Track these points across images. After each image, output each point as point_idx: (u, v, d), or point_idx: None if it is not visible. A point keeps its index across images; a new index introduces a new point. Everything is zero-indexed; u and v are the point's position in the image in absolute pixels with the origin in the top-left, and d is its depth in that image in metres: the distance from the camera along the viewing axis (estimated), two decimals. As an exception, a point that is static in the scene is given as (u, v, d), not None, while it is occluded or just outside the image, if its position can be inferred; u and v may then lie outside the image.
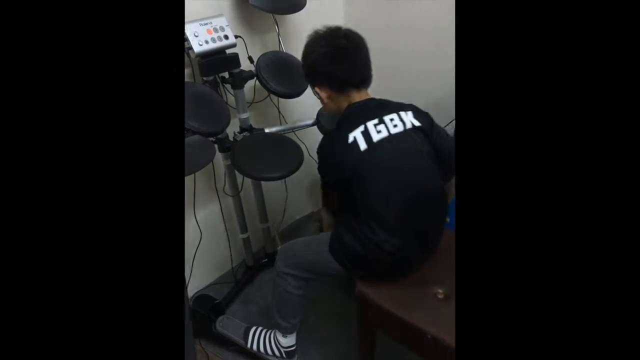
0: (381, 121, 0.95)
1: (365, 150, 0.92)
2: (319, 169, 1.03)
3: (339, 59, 0.96)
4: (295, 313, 1.17)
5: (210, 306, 1.36)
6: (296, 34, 1.48)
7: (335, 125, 1.03)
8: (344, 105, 1.00)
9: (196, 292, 1.52)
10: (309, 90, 1.36)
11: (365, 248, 0.95)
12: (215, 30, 1.14)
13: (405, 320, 0.90)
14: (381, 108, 0.98)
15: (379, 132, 0.94)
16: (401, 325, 0.91)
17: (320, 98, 1.04)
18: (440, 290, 0.95)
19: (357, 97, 0.99)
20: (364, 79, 0.99)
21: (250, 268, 1.59)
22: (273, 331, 1.25)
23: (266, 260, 1.62)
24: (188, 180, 1.33)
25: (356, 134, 0.93)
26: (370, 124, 0.94)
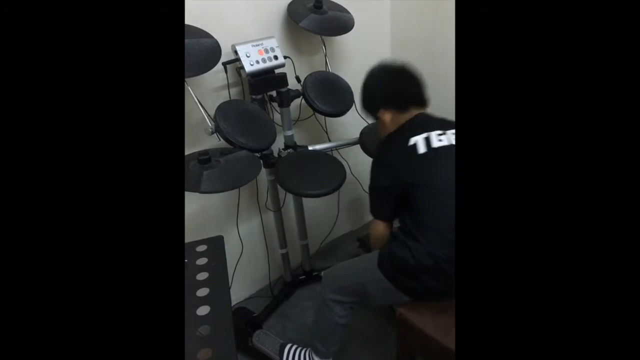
0: (444, 133, 0.97)
1: (424, 154, 0.94)
2: (372, 170, 1.05)
3: (400, 76, 1.05)
4: (336, 341, 1.15)
5: (248, 319, 1.37)
6: (343, 54, 1.51)
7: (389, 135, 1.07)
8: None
9: (234, 305, 1.54)
10: (353, 109, 1.38)
11: (416, 258, 0.91)
12: (266, 51, 1.19)
13: (446, 346, 0.87)
14: (445, 122, 1.02)
15: (440, 140, 0.96)
16: (442, 351, 0.88)
17: (382, 123, 1.08)
18: (484, 319, 0.91)
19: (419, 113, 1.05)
20: (425, 95, 1.06)
21: (288, 284, 1.60)
22: (308, 350, 1.24)
23: (304, 277, 1.62)
24: (233, 194, 1.38)
25: (418, 139, 0.96)
26: (433, 133, 0.97)
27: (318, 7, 1.26)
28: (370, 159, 1.35)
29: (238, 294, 1.58)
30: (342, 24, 1.32)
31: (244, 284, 1.58)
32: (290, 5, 1.28)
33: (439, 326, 0.91)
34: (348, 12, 1.35)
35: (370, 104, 1.08)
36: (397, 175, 0.96)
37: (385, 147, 1.05)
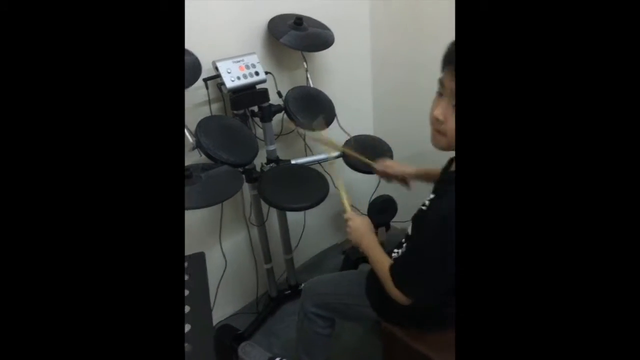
0: None
1: None
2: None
3: None
4: (322, 352, 1.14)
5: (233, 337, 1.35)
6: (324, 70, 1.53)
7: None
8: None
9: (219, 322, 1.52)
10: (335, 123, 1.40)
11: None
12: (247, 67, 1.20)
13: (432, 359, 0.87)
14: None
15: None
16: (427, 364, 0.88)
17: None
18: (468, 329, 0.92)
19: None
20: None
21: (273, 299, 1.59)
22: (295, 364, 1.22)
23: (289, 291, 1.61)
24: (215, 209, 1.37)
25: None
26: None
27: (298, 24, 1.28)
28: (355, 172, 1.36)
29: (223, 311, 1.56)
30: (323, 40, 1.34)
31: (228, 300, 1.56)
32: (270, 22, 1.29)
33: (425, 340, 0.91)
34: (328, 29, 1.38)
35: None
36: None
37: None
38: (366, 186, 1.70)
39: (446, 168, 0.85)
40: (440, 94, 0.72)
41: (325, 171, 1.37)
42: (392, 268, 0.81)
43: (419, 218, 0.82)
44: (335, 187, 1.12)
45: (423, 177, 1.10)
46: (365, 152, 1.27)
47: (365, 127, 1.76)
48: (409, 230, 0.88)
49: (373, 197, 1.60)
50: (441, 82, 0.71)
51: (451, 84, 0.68)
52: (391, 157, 1.34)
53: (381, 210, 1.52)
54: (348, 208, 1.01)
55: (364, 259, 0.93)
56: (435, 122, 0.72)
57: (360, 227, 0.94)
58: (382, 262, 0.84)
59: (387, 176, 1.18)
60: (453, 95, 0.68)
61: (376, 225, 1.52)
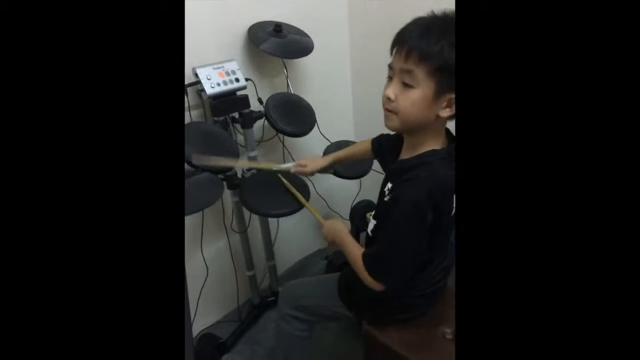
0: None
1: None
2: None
3: None
4: (302, 357, 1.13)
5: (215, 346, 1.33)
6: (304, 76, 1.54)
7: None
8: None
9: (201, 331, 1.49)
10: (315, 129, 1.41)
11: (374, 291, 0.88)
12: (227, 73, 1.20)
13: (412, 361, 0.88)
14: None
15: None
16: (409, 366, 0.89)
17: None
18: (448, 330, 0.93)
19: None
20: None
21: (256, 307, 1.57)
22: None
23: (272, 298, 1.60)
24: (196, 217, 1.35)
25: None
26: None
27: (278, 30, 1.28)
28: (335, 178, 1.37)
29: (205, 319, 1.53)
30: (302, 46, 1.35)
31: (210, 308, 1.54)
32: (250, 29, 1.30)
33: (404, 342, 0.92)
34: (307, 36, 1.39)
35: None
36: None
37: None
38: (348, 191, 1.71)
39: (395, 156, 0.89)
40: (390, 78, 0.78)
41: (307, 177, 1.38)
42: (366, 258, 0.85)
43: (383, 208, 0.85)
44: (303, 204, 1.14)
45: (344, 160, 1.16)
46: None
47: (345, 132, 1.77)
48: (372, 225, 0.91)
49: (355, 202, 1.61)
50: (390, 67, 0.77)
51: (399, 64, 0.74)
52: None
53: (363, 216, 1.53)
54: (319, 217, 1.07)
55: (347, 264, 0.93)
56: (387, 102, 0.77)
57: (333, 224, 0.98)
58: (356, 253, 0.87)
59: (306, 174, 1.20)
60: (402, 74, 0.74)
61: (357, 230, 1.53)
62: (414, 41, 0.72)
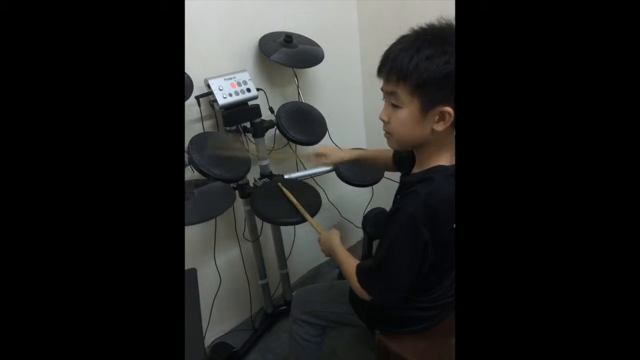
0: None
1: None
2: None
3: None
4: None
5: (227, 355, 1.34)
6: (315, 85, 1.56)
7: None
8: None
9: (214, 340, 1.50)
10: (326, 137, 1.41)
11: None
12: (239, 84, 1.22)
13: (426, 371, 0.87)
14: None
15: None
16: (422, 377, 0.87)
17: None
18: (462, 340, 0.92)
19: None
20: None
21: (269, 315, 1.57)
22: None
23: (285, 307, 1.60)
24: (209, 225, 1.37)
25: None
26: None
27: (288, 41, 1.30)
28: (347, 186, 1.37)
29: (218, 328, 1.54)
30: (313, 56, 1.36)
31: (224, 317, 1.55)
32: (261, 39, 1.32)
33: (418, 352, 0.91)
34: (318, 45, 1.40)
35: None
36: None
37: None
38: (360, 199, 1.71)
39: (407, 171, 0.89)
40: (384, 100, 0.79)
41: (319, 185, 1.38)
42: (359, 270, 0.86)
43: (387, 218, 0.85)
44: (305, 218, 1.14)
45: (368, 161, 1.16)
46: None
47: (357, 140, 1.77)
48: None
49: (367, 210, 1.60)
50: (382, 90, 0.78)
51: (385, 87, 0.76)
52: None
53: (375, 223, 1.52)
54: (318, 229, 1.08)
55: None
56: (383, 124, 0.80)
57: (326, 235, 1.01)
58: (347, 262, 0.90)
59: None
60: (389, 96, 0.76)
61: (370, 238, 1.52)
62: (391, 62, 0.73)
